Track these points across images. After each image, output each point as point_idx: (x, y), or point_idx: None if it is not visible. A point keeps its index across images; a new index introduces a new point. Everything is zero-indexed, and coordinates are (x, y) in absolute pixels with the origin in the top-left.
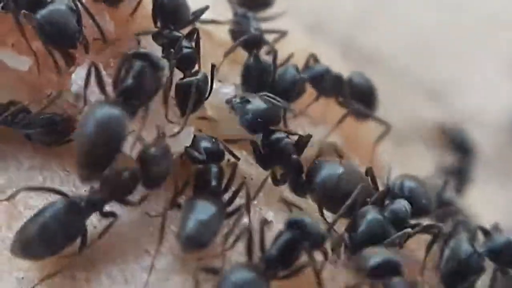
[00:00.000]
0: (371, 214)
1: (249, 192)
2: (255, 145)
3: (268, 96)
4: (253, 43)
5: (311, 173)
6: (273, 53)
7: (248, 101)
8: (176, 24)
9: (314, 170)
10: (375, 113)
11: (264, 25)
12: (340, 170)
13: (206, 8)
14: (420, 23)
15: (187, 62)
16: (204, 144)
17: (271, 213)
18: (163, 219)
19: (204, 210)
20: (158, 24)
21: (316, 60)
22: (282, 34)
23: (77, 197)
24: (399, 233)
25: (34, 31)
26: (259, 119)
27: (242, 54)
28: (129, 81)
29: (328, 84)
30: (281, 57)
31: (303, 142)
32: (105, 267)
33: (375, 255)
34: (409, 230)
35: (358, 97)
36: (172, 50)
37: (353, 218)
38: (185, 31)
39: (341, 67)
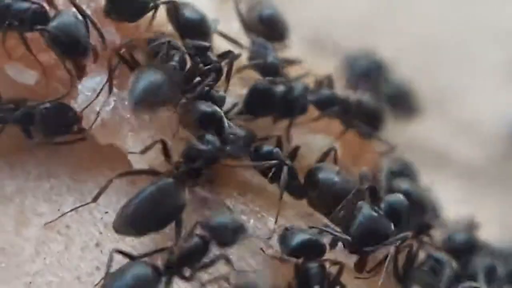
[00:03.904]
0: (365, 208)
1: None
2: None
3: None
4: (270, 71)
5: (309, 177)
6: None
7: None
8: (199, 37)
9: (312, 175)
10: (381, 133)
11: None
12: (337, 174)
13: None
14: (418, 33)
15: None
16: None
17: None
18: None
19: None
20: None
21: (331, 82)
22: (297, 62)
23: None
24: (400, 235)
25: (39, 44)
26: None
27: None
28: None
29: (333, 108)
30: None
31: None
32: None
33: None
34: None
35: (365, 118)
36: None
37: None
38: None
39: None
